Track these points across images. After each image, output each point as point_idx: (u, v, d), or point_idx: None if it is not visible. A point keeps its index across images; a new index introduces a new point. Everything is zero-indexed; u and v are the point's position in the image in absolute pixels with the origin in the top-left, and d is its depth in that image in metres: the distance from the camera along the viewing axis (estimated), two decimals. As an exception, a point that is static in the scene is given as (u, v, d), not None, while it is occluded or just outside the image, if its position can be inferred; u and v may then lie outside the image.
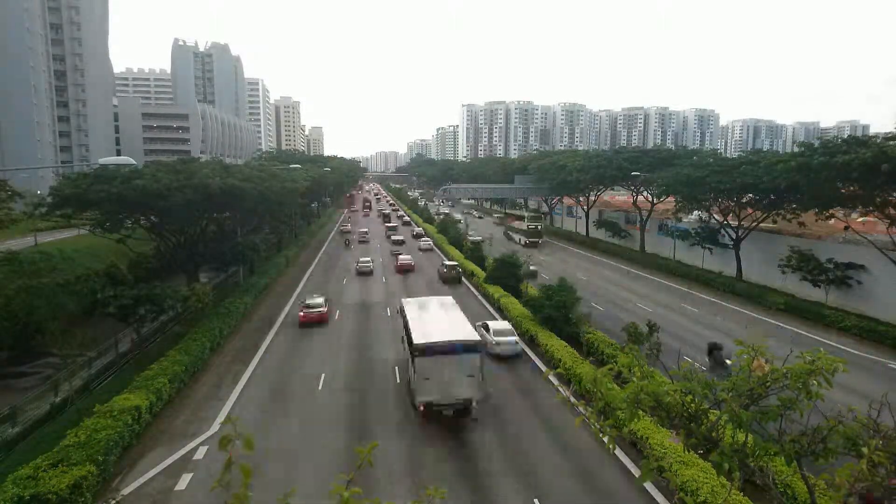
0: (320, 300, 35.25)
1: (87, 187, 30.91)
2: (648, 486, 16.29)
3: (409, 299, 28.11)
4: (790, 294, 38.89)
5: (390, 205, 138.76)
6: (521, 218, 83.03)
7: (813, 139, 42.23)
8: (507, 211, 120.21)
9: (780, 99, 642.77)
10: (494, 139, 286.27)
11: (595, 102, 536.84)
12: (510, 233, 78.11)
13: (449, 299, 27.79)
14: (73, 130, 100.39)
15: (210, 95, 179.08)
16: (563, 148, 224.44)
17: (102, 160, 30.00)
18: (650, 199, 60.81)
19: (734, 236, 45.25)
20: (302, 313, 33.98)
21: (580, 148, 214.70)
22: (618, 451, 18.09)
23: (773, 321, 35.34)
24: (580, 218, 78.22)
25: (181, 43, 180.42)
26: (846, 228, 38.20)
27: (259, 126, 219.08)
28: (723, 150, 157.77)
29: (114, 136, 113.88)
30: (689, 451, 15.06)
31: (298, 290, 44.49)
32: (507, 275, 39.65)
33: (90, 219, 34.20)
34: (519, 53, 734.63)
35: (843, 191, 35.09)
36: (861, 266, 35.45)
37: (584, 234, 74.98)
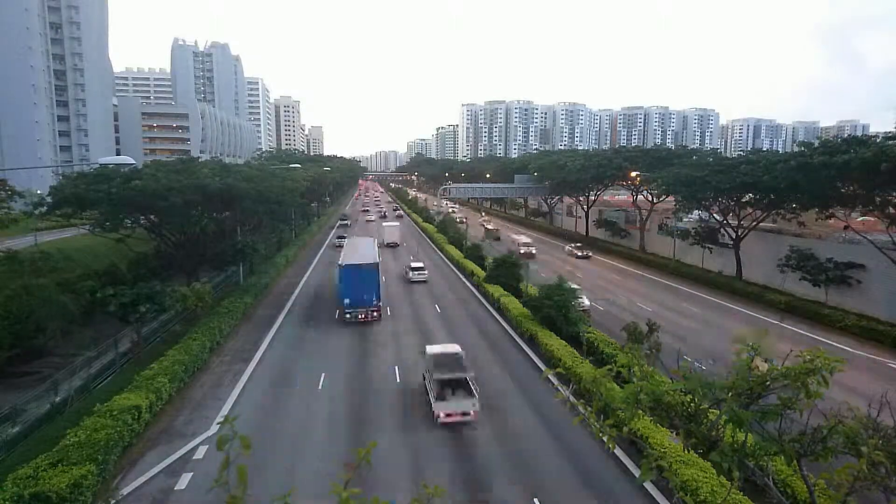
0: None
1: (86, 187, 30.91)
2: (648, 485, 16.30)
3: None
4: (790, 293, 38.88)
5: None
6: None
7: (813, 139, 42.25)
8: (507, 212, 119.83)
9: (780, 99, 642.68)
10: (494, 139, 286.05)
11: (595, 102, 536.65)
12: None
13: None
14: (73, 130, 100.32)
15: (210, 95, 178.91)
16: (563, 147, 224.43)
17: (102, 160, 30.08)
18: (650, 198, 60.78)
19: (734, 236, 45.22)
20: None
21: (580, 147, 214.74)
22: (618, 451, 18.10)
23: (772, 321, 35.27)
24: (580, 217, 78.19)
25: (181, 42, 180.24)
26: (846, 228, 38.15)
27: (259, 125, 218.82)
28: (723, 150, 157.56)
29: (113, 136, 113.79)
30: (688, 451, 15.05)
31: (298, 290, 44.52)
32: (507, 274, 39.62)
33: (90, 219, 34.19)
34: (519, 53, 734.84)
35: (842, 190, 35.06)
36: (861, 265, 35.43)
37: (584, 233, 74.96)
